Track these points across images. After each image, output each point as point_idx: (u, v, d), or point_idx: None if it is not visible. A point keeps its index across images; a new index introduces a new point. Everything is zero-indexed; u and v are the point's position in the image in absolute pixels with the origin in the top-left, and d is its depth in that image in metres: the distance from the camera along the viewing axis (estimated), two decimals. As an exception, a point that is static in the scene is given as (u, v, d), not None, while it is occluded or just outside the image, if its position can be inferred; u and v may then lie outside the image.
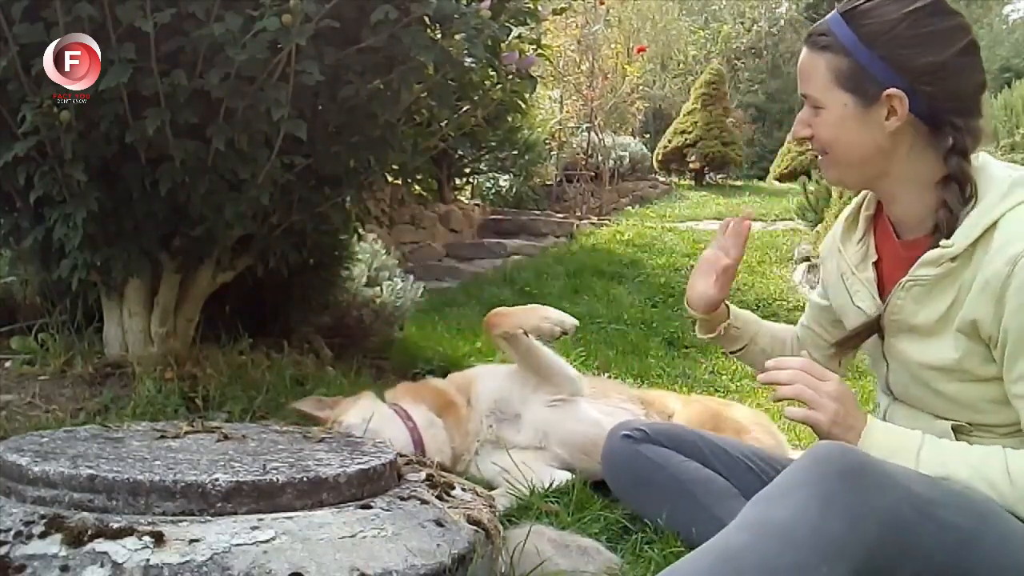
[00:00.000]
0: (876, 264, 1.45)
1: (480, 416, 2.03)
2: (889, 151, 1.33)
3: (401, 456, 1.55)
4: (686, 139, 11.33)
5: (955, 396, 1.32)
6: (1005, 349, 1.23)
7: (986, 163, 1.33)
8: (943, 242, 1.27)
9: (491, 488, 1.84)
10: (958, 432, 1.33)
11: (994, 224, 1.24)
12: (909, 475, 1.17)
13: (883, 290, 1.43)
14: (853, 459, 1.09)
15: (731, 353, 1.81)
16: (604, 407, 2.08)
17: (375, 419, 1.89)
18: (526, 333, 2.02)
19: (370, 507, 1.22)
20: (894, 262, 1.41)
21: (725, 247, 1.68)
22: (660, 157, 11.80)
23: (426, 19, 2.01)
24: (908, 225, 1.39)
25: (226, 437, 1.46)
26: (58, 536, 1.04)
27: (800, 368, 1.32)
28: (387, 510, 1.22)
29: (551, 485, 1.88)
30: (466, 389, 2.08)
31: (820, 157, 1.40)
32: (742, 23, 16.46)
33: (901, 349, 1.39)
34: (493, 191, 8.96)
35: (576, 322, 2.06)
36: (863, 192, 1.49)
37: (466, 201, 8.24)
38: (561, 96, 9.38)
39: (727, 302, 1.73)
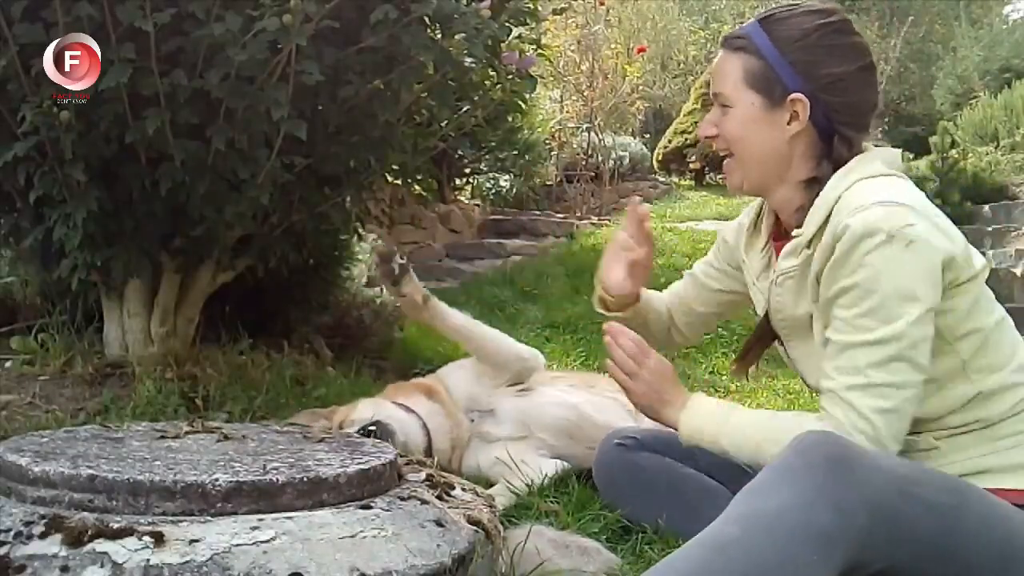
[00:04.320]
0: None
1: (461, 412, 2.04)
2: (786, 155, 1.39)
3: (401, 456, 1.55)
4: (686, 139, 11.30)
5: None
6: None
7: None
8: (795, 231, 1.35)
9: (486, 483, 1.84)
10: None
11: (836, 203, 1.30)
12: (889, 458, 1.19)
13: None
14: (837, 448, 1.10)
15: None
16: (590, 397, 2.08)
17: (384, 416, 1.89)
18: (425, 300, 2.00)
19: (370, 507, 1.22)
20: None
21: (635, 237, 1.63)
22: (660, 157, 11.78)
23: (426, 19, 2.02)
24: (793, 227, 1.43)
25: (226, 437, 1.46)
26: (58, 536, 1.04)
27: (631, 340, 1.44)
28: (387, 510, 1.22)
29: (545, 478, 1.89)
30: (443, 381, 2.11)
31: (725, 161, 1.45)
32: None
33: (801, 350, 1.44)
34: (493, 191, 8.95)
35: None
36: (759, 201, 1.53)
37: (466, 201, 8.23)
38: (561, 96, 9.36)
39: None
